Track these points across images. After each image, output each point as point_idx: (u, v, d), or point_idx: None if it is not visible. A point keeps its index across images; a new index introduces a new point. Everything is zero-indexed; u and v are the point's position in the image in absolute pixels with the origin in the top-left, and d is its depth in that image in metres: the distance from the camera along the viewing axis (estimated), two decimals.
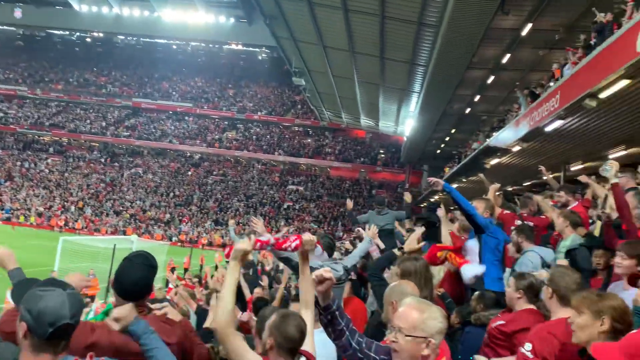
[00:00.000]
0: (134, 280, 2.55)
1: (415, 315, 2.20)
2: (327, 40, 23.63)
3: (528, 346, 2.74)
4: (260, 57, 62.96)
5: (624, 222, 4.12)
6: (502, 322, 3.18)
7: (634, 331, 1.82)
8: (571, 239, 4.58)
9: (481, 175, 9.23)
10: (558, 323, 2.72)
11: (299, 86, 37.06)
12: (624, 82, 9.09)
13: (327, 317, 2.53)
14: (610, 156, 15.13)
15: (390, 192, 48.63)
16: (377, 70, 24.33)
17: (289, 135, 56.75)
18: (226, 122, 58.41)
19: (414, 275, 3.13)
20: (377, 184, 51.88)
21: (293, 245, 2.77)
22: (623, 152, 14.50)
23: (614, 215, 4.46)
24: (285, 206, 49.38)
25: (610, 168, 4.20)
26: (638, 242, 3.46)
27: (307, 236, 2.78)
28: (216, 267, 25.32)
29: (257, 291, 6.60)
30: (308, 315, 2.68)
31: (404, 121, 32.85)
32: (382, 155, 53.46)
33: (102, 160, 55.57)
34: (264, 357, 2.47)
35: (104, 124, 57.69)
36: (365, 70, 25.19)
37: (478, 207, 5.29)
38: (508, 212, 6.51)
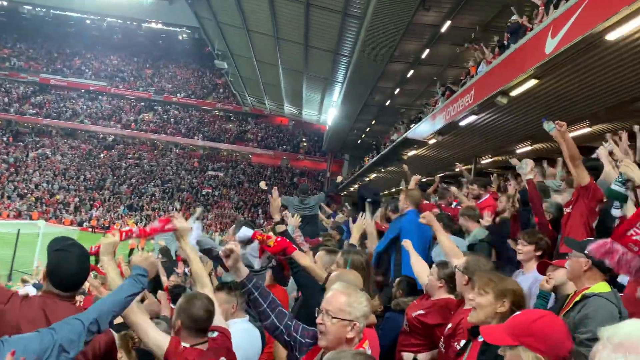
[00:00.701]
0: (74, 272, 2.47)
1: (342, 299, 2.27)
2: (252, 24, 23.25)
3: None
4: (180, 38, 60.78)
5: (536, 215, 4.42)
6: (421, 312, 3.29)
7: (517, 313, 1.96)
8: (473, 234, 4.85)
9: (405, 166, 9.52)
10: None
11: (221, 69, 36.28)
12: (533, 82, 9.69)
13: (247, 297, 2.62)
14: (518, 151, 16.16)
15: (312, 180, 49.01)
16: (301, 58, 24.30)
17: (210, 119, 55.45)
18: (143, 104, 56.03)
19: (361, 269, 3.18)
20: (299, 172, 52.10)
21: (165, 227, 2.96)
22: (529, 148, 15.52)
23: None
24: (203, 192, 48.33)
25: (525, 165, 4.49)
26: (536, 231, 3.74)
27: (178, 222, 2.96)
28: (130, 253, 24.44)
29: (173, 278, 6.54)
30: (206, 292, 2.81)
31: (327, 110, 33.14)
32: (305, 144, 53.70)
33: (4, 139, 51.40)
34: (173, 337, 2.54)
35: (6, 99, 53.32)
36: (289, 57, 25.08)
37: (400, 199, 5.43)
38: (428, 202, 6.75)
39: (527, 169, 4.57)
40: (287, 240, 3.46)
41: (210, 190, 48.72)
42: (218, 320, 2.71)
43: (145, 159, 52.11)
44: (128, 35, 60.32)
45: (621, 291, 2.75)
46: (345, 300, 2.26)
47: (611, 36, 7.31)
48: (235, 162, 52.98)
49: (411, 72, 21.20)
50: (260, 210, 45.26)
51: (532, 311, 2.17)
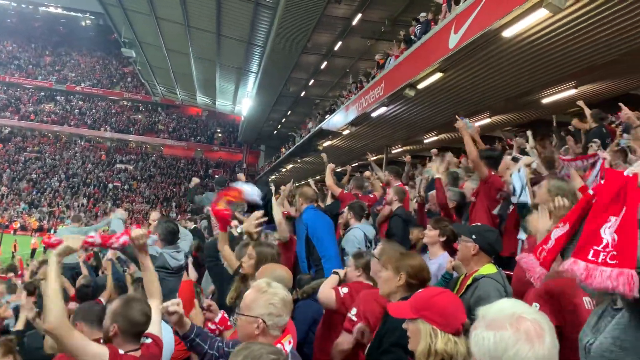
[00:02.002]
0: None
1: (250, 296, 2.28)
2: (160, 12, 22.41)
3: (353, 310, 2.96)
4: (83, 24, 57.23)
5: (444, 213, 4.74)
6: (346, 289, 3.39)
7: (421, 290, 2.12)
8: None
9: (323, 155, 9.66)
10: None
11: (128, 58, 34.65)
12: (438, 75, 10.17)
13: (189, 344, 2.57)
14: (425, 141, 16.92)
15: (227, 171, 48.27)
16: (213, 47, 23.80)
17: (117, 110, 52.82)
18: (43, 93, 52.26)
19: (270, 261, 3.20)
20: (214, 163, 51.10)
21: (121, 241, 2.73)
22: (435, 138, 16.31)
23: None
24: (111, 186, 46.06)
25: (430, 169, 4.81)
26: (442, 218, 3.98)
27: (136, 231, 2.76)
28: (32, 254, 22.82)
29: (79, 279, 6.26)
30: (154, 303, 2.69)
31: (242, 100, 32.75)
32: (220, 134, 52.73)
33: None
34: (108, 344, 2.41)
35: None
36: (201, 46, 24.47)
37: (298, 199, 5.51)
38: (347, 191, 6.87)
39: (433, 171, 4.90)
40: (230, 215, 3.45)
41: (119, 184, 46.54)
42: (154, 328, 2.61)
43: (47, 153, 48.74)
44: (24, 20, 55.85)
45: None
46: (252, 298, 2.28)
47: (507, 33, 7.84)
48: (146, 155, 50.93)
49: (325, 63, 21.46)
50: (173, 204, 43.97)
51: (432, 288, 2.34)
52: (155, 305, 2.66)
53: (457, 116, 5.14)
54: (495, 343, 1.32)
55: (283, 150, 33.10)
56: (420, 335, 1.89)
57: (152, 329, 2.59)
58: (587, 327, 1.95)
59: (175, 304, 2.52)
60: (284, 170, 32.71)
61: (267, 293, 2.29)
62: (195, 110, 51.28)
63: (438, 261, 3.65)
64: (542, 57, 8.73)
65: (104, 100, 52.88)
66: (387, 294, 2.65)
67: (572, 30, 7.56)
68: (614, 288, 1.64)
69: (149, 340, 2.55)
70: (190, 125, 52.90)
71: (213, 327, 2.94)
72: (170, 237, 4.14)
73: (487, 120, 13.83)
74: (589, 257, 1.74)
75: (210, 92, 34.73)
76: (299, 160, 27.83)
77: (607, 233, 1.72)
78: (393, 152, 18.53)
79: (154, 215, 7.18)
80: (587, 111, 7.36)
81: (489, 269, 2.79)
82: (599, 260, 1.72)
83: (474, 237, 2.86)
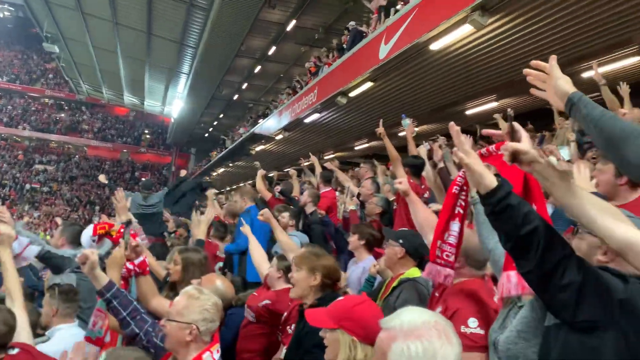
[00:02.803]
0: None
1: (183, 302, 2.28)
2: (87, 7, 21.44)
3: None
4: (1, 15, 53.69)
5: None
6: (268, 301, 3.39)
7: (340, 298, 2.17)
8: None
9: (257, 163, 9.64)
10: None
11: (51, 53, 32.87)
12: (369, 84, 10.43)
13: (107, 304, 2.54)
14: (356, 147, 17.24)
15: (155, 174, 46.82)
16: (143, 46, 23.08)
17: (38, 107, 49.84)
18: None
19: (198, 266, 3.17)
20: (141, 165, 49.36)
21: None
22: (366, 145, 16.65)
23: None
24: (29, 187, 43.36)
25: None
26: (361, 224, 4.11)
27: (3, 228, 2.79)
28: None
29: None
30: (18, 310, 2.58)
31: (172, 102, 31.91)
32: (148, 136, 51.01)
33: None
34: None
35: None
36: (130, 44, 23.63)
37: (236, 198, 5.52)
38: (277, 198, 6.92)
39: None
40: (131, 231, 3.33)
41: (38, 186, 43.91)
42: (23, 336, 2.49)
43: None
44: None
45: None
46: (185, 304, 2.26)
47: (434, 46, 8.17)
48: (68, 155, 48.40)
49: (258, 67, 21.39)
50: (97, 208, 42.05)
51: (353, 297, 2.35)
52: (19, 313, 2.55)
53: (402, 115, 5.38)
54: (424, 350, 1.37)
55: (214, 154, 32.57)
56: (339, 346, 1.88)
57: (20, 337, 2.47)
58: (496, 323, 2.10)
59: (89, 251, 2.51)
60: (214, 174, 32.19)
61: (200, 299, 2.29)
62: (122, 110, 49.32)
63: (363, 265, 3.74)
64: (466, 71, 9.16)
65: (23, 97, 49.72)
66: (300, 295, 2.67)
67: (494, 46, 8.00)
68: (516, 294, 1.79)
69: (15, 351, 2.41)
70: (116, 125, 50.84)
71: (130, 267, 2.84)
72: (77, 239, 4.03)
73: (414, 130, 14.29)
74: (436, 252, 1.88)
75: (138, 92, 33.57)
76: (230, 165, 27.50)
77: (454, 227, 1.85)
78: (325, 157, 18.74)
79: (59, 220, 7.24)
80: (503, 124, 7.83)
81: (414, 272, 2.89)
82: (442, 256, 1.87)
83: (400, 241, 2.96)
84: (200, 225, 4.65)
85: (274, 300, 3.37)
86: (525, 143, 1.41)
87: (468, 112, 12.14)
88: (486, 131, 1.65)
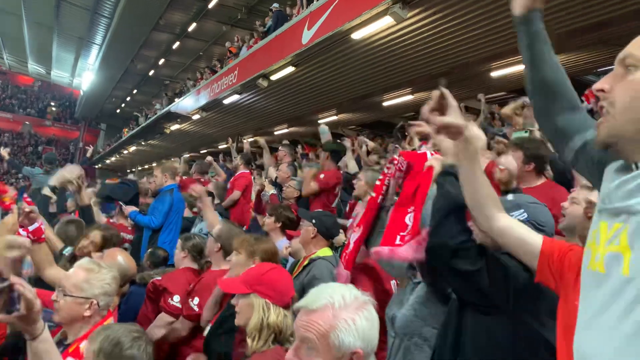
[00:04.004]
0: None
1: (81, 276, 2.19)
2: None
3: (196, 300, 2.97)
4: None
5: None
6: (157, 277, 3.33)
7: (252, 266, 2.23)
8: None
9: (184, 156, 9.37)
10: (221, 273, 3.02)
11: None
12: (291, 69, 10.40)
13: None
14: (276, 132, 17.19)
15: (61, 149, 43.91)
16: (51, 11, 21.46)
17: None
18: None
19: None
20: (46, 139, 45.99)
21: None
22: (286, 130, 16.65)
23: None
24: None
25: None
26: (278, 206, 4.14)
27: None
28: None
29: None
30: None
31: (82, 74, 30.03)
32: (54, 109, 47.59)
33: None
34: None
35: None
36: (37, 8, 21.89)
37: (156, 174, 5.33)
38: (186, 177, 6.75)
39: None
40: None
41: None
42: None
43: None
44: None
45: None
46: (84, 277, 2.18)
47: (356, 35, 8.28)
48: None
49: (177, 44, 20.60)
50: None
51: (263, 264, 2.40)
52: None
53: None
54: (367, 320, 1.39)
55: (126, 131, 31.09)
56: (253, 309, 1.95)
57: None
58: (392, 302, 2.21)
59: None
60: (125, 152, 30.78)
61: (101, 272, 2.23)
62: (26, 79, 45.64)
63: (277, 245, 3.77)
64: (386, 62, 9.39)
65: None
66: None
67: (413, 40, 8.25)
68: (413, 258, 1.87)
69: None
70: (19, 95, 46.96)
71: (24, 234, 2.65)
72: None
73: (334, 118, 14.50)
74: (396, 242, 1.96)
75: (45, 61, 31.27)
76: (143, 143, 26.41)
77: (410, 219, 1.95)
78: (244, 141, 18.49)
79: None
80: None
81: (326, 252, 2.98)
82: (404, 243, 1.96)
83: (314, 221, 3.03)
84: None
85: (165, 277, 3.30)
86: (453, 115, 1.43)
87: (385, 104, 12.48)
88: (413, 123, 1.70)
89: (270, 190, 5.75)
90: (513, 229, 1.41)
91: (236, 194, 6.09)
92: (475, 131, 1.47)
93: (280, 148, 7.35)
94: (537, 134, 4.24)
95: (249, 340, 1.92)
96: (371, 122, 14.78)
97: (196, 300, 2.97)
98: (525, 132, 5.15)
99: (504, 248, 1.49)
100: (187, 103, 17.35)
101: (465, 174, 1.46)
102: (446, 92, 1.43)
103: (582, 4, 6.41)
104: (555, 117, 1.32)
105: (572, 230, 2.38)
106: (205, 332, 2.68)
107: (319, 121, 15.00)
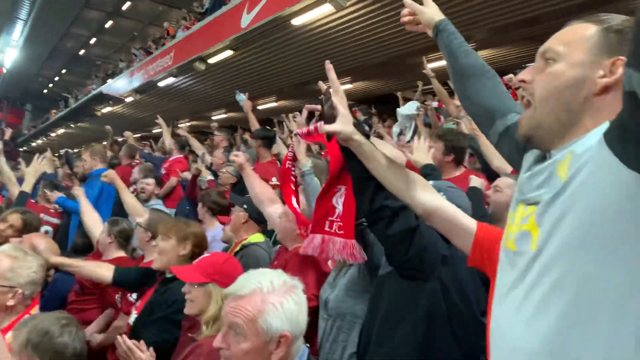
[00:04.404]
0: None
1: (6, 264, 2.11)
2: None
3: (134, 295, 2.86)
4: None
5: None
6: None
7: (205, 256, 2.22)
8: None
9: (108, 127, 8.91)
10: None
11: None
12: (229, 52, 10.20)
13: None
14: (214, 117, 16.86)
15: None
16: None
17: None
18: None
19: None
20: None
21: None
22: (224, 115, 16.36)
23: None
24: None
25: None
26: (207, 192, 4.08)
27: None
28: None
29: None
30: None
31: (5, 50, 28.12)
32: None
33: None
34: None
35: None
36: None
37: (85, 158, 5.11)
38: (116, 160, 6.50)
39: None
40: None
41: None
42: None
43: None
44: None
45: None
46: (9, 266, 2.09)
47: (296, 21, 8.23)
48: None
49: (110, 22, 19.68)
50: None
51: (218, 254, 2.40)
52: None
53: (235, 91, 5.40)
54: (295, 303, 1.41)
55: (54, 112, 29.48)
56: (210, 299, 1.95)
57: None
58: (327, 284, 2.23)
59: None
60: (53, 135, 29.24)
61: (27, 260, 2.14)
62: None
63: (212, 233, 3.69)
64: (326, 50, 9.39)
65: None
66: (165, 265, 2.54)
67: (352, 29, 8.29)
68: (343, 258, 1.89)
69: None
70: None
71: None
72: None
73: (274, 104, 14.40)
74: (325, 228, 1.95)
75: None
76: (72, 125, 25.17)
77: (339, 203, 1.94)
78: (180, 125, 18.03)
79: None
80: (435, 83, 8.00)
81: (258, 237, 2.94)
82: (333, 230, 1.94)
83: (245, 206, 2.97)
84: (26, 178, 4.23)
85: None
86: (340, 122, 1.44)
87: None
88: (308, 107, 1.69)
89: (208, 176, 5.62)
90: (446, 210, 1.41)
91: (173, 180, 5.90)
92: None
93: (216, 133, 7.20)
94: (464, 125, 4.42)
95: (204, 328, 1.92)
96: (313, 110, 14.72)
97: (134, 295, 2.86)
98: (453, 123, 5.34)
99: (436, 230, 1.51)
100: (120, 85, 16.68)
101: (375, 169, 1.47)
102: (335, 101, 1.49)
103: (513, 0, 6.67)
104: (477, 101, 1.37)
105: (497, 217, 2.48)
106: (131, 320, 2.57)
107: (259, 107, 14.90)
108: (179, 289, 2.26)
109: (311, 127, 1.80)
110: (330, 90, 1.53)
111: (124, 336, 1.93)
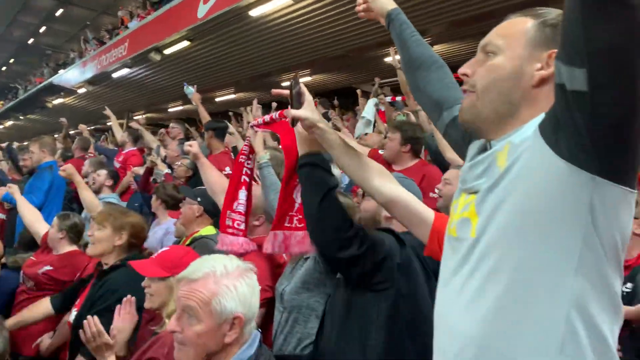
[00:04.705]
0: None
1: None
2: None
3: None
4: None
5: None
6: (49, 267, 3.07)
7: (165, 249, 2.17)
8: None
9: (63, 120, 8.60)
10: None
11: None
12: (185, 43, 10.01)
13: None
14: (170, 109, 16.55)
15: None
16: None
17: None
18: None
19: None
20: None
21: None
22: (180, 107, 16.06)
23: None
24: None
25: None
26: (161, 185, 4.02)
27: None
28: None
29: None
30: None
31: None
32: None
33: None
34: None
35: None
36: None
37: (33, 150, 4.93)
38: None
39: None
40: None
41: None
42: None
43: None
44: None
45: None
46: None
47: (254, 12, 8.14)
48: None
49: (61, 11, 18.93)
50: None
51: (176, 247, 2.36)
52: None
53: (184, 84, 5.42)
54: (248, 286, 1.43)
55: (2, 103, 28.23)
56: (169, 293, 1.94)
57: None
58: (283, 277, 2.23)
59: None
60: (1, 127, 28.03)
61: None
62: None
63: (165, 226, 3.62)
64: (284, 42, 9.34)
65: None
66: (100, 254, 2.50)
67: (310, 20, 8.27)
68: (304, 251, 1.91)
69: None
70: None
71: None
72: None
73: (232, 96, 14.23)
74: (286, 224, 1.95)
75: None
76: (21, 117, 24.20)
77: (298, 197, 1.93)
78: (135, 118, 17.59)
79: None
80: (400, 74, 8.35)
81: (209, 230, 2.90)
82: (293, 225, 1.94)
83: (199, 199, 2.92)
84: None
85: (56, 266, 3.06)
86: (306, 109, 1.45)
87: (284, 84, 12.42)
88: (275, 91, 1.69)
89: (165, 169, 5.50)
90: (406, 200, 1.45)
91: (128, 177, 5.76)
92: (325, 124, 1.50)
93: (172, 125, 7.07)
94: (413, 117, 4.53)
95: (166, 320, 1.92)
96: (270, 101, 14.63)
97: None
98: (404, 115, 5.44)
99: (396, 218, 1.56)
100: (72, 75, 16.13)
101: (338, 158, 1.50)
102: (303, 88, 1.48)
103: None
104: (426, 92, 1.39)
105: (448, 208, 2.53)
106: (71, 318, 2.50)
107: (216, 99, 14.71)
108: (118, 279, 2.21)
109: (267, 117, 1.79)
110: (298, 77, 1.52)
111: (95, 318, 1.93)
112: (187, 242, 2.80)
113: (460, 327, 0.97)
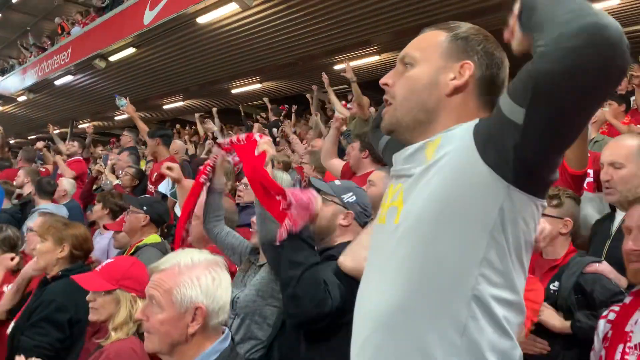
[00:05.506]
0: None
1: None
2: None
3: None
4: None
5: None
6: None
7: (109, 261, 2.12)
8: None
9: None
10: None
11: None
12: (131, 50, 9.82)
13: None
14: (116, 117, 16.14)
15: None
16: None
17: None
18: None
19: None
20: None
21: None
22: (127, 115, 15.65)
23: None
24: None
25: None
26: (107, 193, 3.97)
27: None
28: None
29: None
30: None
31: None
32: None
33: None
34: None
35: None
36: None
37: None
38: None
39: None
40: None
41: None
42: None
43: None
44: None
45: None
46: None
47: (202, 19, 8.10)
48: None
49: None
50: None
51: (121, 258, 2.34)
52: None
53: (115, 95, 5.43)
54: (213, 279, 1.44)
55: None
56: (120, 304, 1.93)
57: None
58: (234, 284, 2.26)
59: None
60: None
61: None
62: None
63: (108, 235, 3.57)
64: (233, 49, 9.32)
65: None
66: (43, 267, 2.45)
67: (259, 28, 8.29)
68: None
69: None
70: None
71: None
72: None
73: (180, 104, 14.05)
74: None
75: None
76: None
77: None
78: (80, 126, 17.04)
79: None
80: (269, 106, 8.73)
81: (154, 238, 2.89)
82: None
83: (145, 208, 2.91)
84: None
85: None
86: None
87: (234, 91, 12.39)
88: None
89: (115, 180, 5.38)
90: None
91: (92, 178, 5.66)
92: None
93: (124, 133, 6.96)
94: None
95: (112, 333, 1.90)
96: (220, 109, 14.50)
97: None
98: (353, 118, 5.60)
99: None
100: (12, 83, 15.47)
101: None
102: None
103: (412, 5, 7.01)
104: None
105: (376, 210, 2.61)
106: (8, 330, 2.43)
107: (164, 107, 14.48)
108: (55, 290, 2.18)
109: (234, 138, 1.81)
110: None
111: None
112: (132, 251, 2.78)
113: (373, 308, 1.04)
